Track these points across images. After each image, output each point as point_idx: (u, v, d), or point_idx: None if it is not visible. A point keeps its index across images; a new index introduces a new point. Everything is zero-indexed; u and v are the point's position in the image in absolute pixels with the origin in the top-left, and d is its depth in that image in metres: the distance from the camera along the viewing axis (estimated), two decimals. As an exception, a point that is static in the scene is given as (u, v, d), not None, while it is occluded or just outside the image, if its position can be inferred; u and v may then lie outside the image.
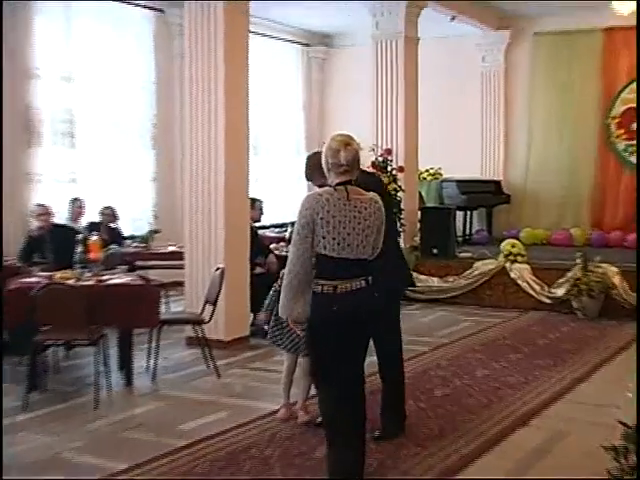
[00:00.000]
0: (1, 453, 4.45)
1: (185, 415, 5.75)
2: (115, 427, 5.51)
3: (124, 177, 11.39)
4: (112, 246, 9.22)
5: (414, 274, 10.83)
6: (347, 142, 4.01)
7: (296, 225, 3.94)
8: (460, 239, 12.72)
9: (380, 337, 5.02)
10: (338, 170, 3.96)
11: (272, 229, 12.03)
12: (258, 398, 6.23)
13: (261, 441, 5.17)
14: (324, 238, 3.87)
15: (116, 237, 9.75)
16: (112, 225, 9.96)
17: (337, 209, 3.88)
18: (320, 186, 4.22)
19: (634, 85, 12.39)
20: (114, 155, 11.21)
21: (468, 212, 13.22)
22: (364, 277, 3.97)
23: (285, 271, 4.01)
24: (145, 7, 11.65)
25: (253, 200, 8.93)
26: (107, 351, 6.34)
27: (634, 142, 12.47)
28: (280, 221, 13.05)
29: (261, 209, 9.22)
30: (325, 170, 4.03)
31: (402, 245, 5.26)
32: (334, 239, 3.88)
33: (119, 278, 6.74)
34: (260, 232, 9.93)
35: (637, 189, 11.76)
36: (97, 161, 10.96)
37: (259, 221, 9.36)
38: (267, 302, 5.67)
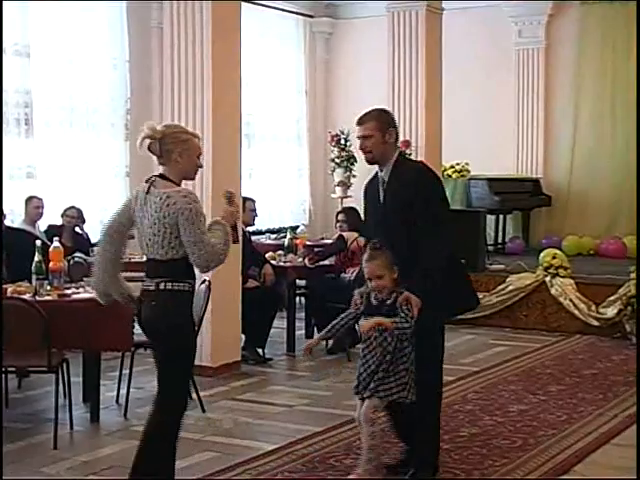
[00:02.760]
0: (1, 452, 4.56)
1: (162, 457, 5.72)
2: (78, 471, 5.49)
3: (92, 172, 11.39)
4: (77, 254, 9.23)
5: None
6: (150, 130, 4.64)
7: None
8: (491, 248, 12.72)
9: None
10: (158, 162, 4.71)
11: (268, 235, 12.03)
12: (250, 436, 6.22)
13: (253, 488, 5.16)
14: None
15: (82, 243, 9.76)
16: (77, 229, 9.97)
17: (138, 205, 4.66)
18: None
19: None
20: (79, 146, 11.21)
21: (501, 216, 13.23)
22: (158, 279, 4.61)
23: None
24: (118, -30, 11.69)
25: (243, 200, 8.92)
26: (69, 380, 6.32)
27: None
28: (277, 225, 13.07)
29: (254, 210, 9.23)
30: None
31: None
32: (139, 237, 4.74)
33: (85, 292, 6.72)
34: (254, 238, 9.95)
35: (637, 189, 11.76)
36: (59, 153, 10.96)
37: (252, 225, 9.36)
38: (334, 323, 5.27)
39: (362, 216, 5.56)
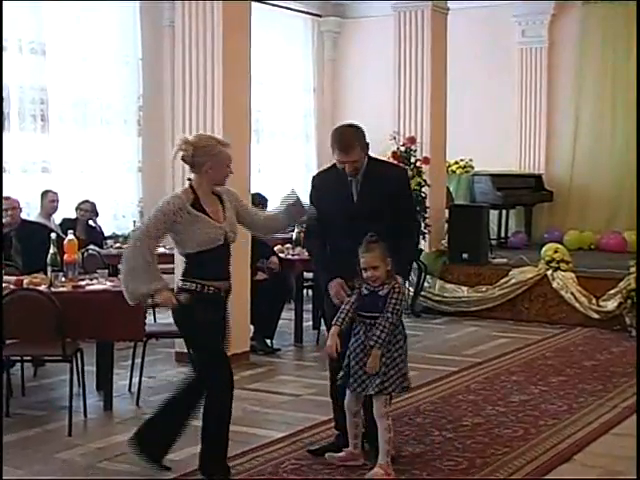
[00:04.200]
0: (1, 452, 4.52)
1: (173, 444, 5.74)
2: (91, 457, 5.50)
3: (105, 167, 11.41)
4: (91, 247, 9.26)
5: (440, 282, 10.92)
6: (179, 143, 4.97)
7: None
8: (494, 242, 12.70)
9: None
10: None
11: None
12: (259, 424, 6.22)
13: (263, 474, 5.16)
14: None
15: (95, 236, 9.79)
16: (91, 222, 10.00)
17: None
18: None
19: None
20: (93, 142, 11.23)
21: (504, 211, 13.20)
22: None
23: None
24: (131, -30, 11.69)
25: (252, 196, 8.92)
26: (83, 369, 6.34)
27: None
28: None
29: (262, 205, 9.23)
30: None
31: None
32: None
33: (98, 284, 6.74)
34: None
35: (637, 186, 11.72)
36: (73, 148, 10.98)
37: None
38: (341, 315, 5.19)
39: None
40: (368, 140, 5.36)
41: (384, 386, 5.00)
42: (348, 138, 5.28)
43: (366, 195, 5.31)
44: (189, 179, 5.00)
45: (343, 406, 5.29)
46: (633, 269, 9.65)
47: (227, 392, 4.99)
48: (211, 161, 4.87)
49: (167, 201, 4.91)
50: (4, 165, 9.88)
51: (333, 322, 5.14)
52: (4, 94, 9.79)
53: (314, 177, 5.73)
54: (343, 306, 5.15)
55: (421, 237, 9.89)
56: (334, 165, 5.44)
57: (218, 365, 4.98)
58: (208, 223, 4.89)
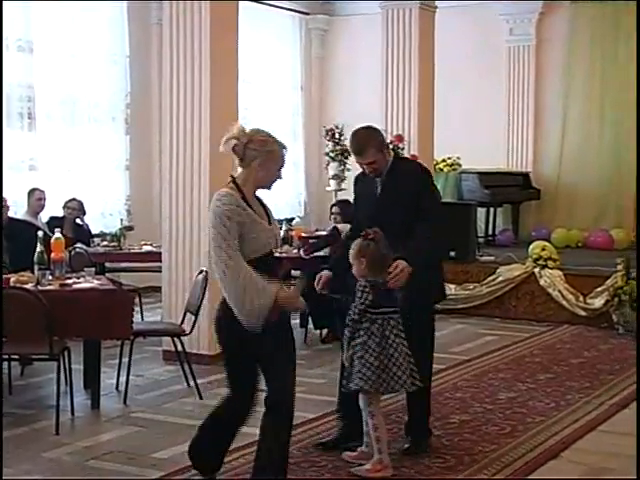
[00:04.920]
0: (1, 452, 4.54)
1: (161, 442, 5.73)
2: (79, 456, 5.49)
3: (92, 165, 11.39)
4: (78, 245, 9.24)
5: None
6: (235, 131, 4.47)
7: None
8: (482, 240, 12.73)
9: None
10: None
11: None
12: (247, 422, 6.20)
13: (249, 472, 5.14)
14: None
15: (83, 235, 9.76)
16: (78, 221, 9.97)
17: None
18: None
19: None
20: (81, 140, 11.21)
21: (491, 209, 13.24)
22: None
23: None
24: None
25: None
26: (70, 367, 6.32)
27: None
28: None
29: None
30: None
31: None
32: None
33: (86, 282, 6.73)
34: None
35: (637, 188, 11.76)
36: (61, 146, 10.96)
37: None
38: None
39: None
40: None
41: (359, 385, 5.03)
42: (360, 140, 5.35)
43: (388, 193, 5.36)
44: (232, 176, 4.48)
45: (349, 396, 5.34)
46: (620, 267, 9.67)
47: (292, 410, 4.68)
48: (261, 157, 4.42)
49: (221, 202, 4.30)
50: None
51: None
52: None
53: (356, 178, 5.74)
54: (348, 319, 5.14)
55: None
56: None
57: (287, 381, 4.67)
58: (261, 225, 4.40)
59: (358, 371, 5.02)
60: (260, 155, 4.41)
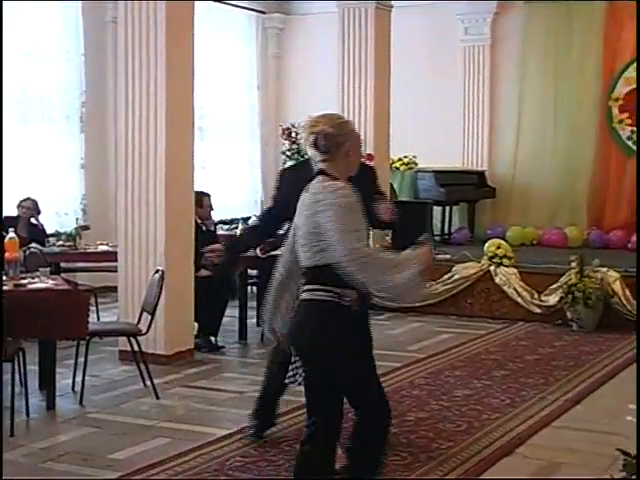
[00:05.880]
0: (1, 452, 4.52)
1: (117, 442, 5.71)
2: (35, 458, 5.45)
3: (47, 164, 11.28)
4: (32, 245, 9.15)
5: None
6: (311, 124, 4.01)
7: None
8: (438, 238, 12.79)
9: None
10: (315, 159, 4.05)
11: (220, 226, 12.00)
12: (203, 422, 6.21)
13: (207, 472, 5.15)
14: None
15: (37, 234, 9.67)
16: (33, 220, 9.88)
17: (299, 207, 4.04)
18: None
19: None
20: (35, 138, 11.09)
21: (447, 207, 13.30)
22: (311, 287, 3.95)
23: None
24: (73, -35, 11.58)
25: (201, 195, 8.91)
26: (25, 368, 6.27)
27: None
28: (230, 216, 13.03)
29: (210, 206, 9.22)
30: None
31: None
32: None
33: (40, 282, 6.67)
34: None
35: (637, 187, 11.90)
36: (14, 145, 10.84)
37: (209, 219, 9.31)
38: None
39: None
40: None
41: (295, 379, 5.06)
42: None
43: None
44: (321, 170, 4.01)
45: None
46: (574, 264, 9.77)
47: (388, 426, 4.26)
48: (350, 141, 4.00)
49: (344, 193, 3.86)
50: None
51: None
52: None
53: (283, 171, 5.80)
54: None
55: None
56: (305, 162, 5.49)
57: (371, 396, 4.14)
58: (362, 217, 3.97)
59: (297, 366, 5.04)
60: (347, 140, 4.00)
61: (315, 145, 3.95)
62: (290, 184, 5.43)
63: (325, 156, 3.96)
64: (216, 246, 6.21)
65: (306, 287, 3.97)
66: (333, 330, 3.90)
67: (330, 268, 3.83)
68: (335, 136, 3.95)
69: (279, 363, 5.39)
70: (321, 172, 3.99)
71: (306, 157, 5.45)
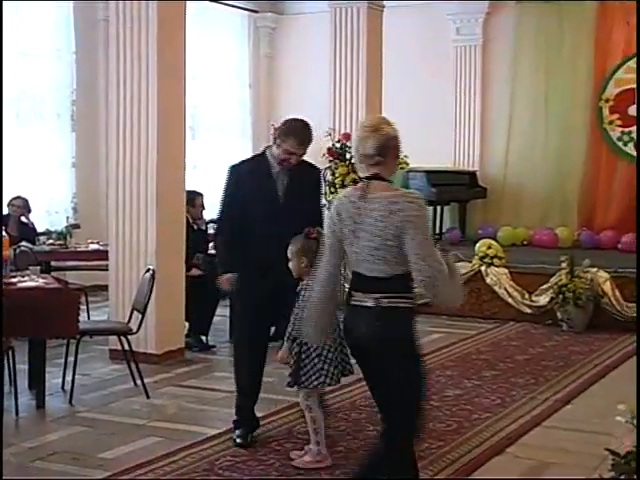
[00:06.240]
0: (1, 453, 4.51)
1: (107, 442, 5.69)
2: (24, 457, 5.43)
3: (38, 163, 11.27)
4: (23, 243, 9.13)
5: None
6: (376, 127, 3.98)
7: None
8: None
9: None
10: (367, 162, 3.94)
11: (212, 225, 11.99)
12: (194, 421, 6.20)
13: (197, 471, 5.14)
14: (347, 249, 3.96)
15: (28, 233, 9.66)
16: (23, 219, 9.86)
17: (349, 214, 3.89)
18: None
19: (631, 64, 12.57)
20: (26, 137, 11.07)
21: (438, 207, 13.30)
22: (377, 295, 3.87)
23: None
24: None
25: (193, 194, 8.90)
26: (15, 367, 6.25)
27: (631, 129, 12.63)
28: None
29: (202, 205, 9.22)
30: (357, 164, 4.03)
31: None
32: (351, 253, 3.93)
33: (31, 281, 6.66)
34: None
35: (637, 186, 11.91)
36: (5, 143, 10.79)
37: (200, 219, 9.31)
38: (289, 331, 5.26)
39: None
40: None
41: (301, 380, 5.12)
42: (306, 131, 5.46)
43: (292, 194, 5.48)
44: (375, 175, 3.94)
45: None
46: (564, 264, 9.79)
47: None
48: (397, 143, 4.03)
49: (420, 204, 3.85)
50: None
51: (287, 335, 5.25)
52: None
53: (233, 167, 5.73)
54: (292, 317, 5.22)
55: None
56: (254, 157, 5.57)
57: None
58: None
59: (320, 369, 5.12)
60: (396, 142, 4.03)
61: (380, 148, 3.91)
62: (249, 179, 5.53)
63: (381, 159, 3.92)
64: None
65: (379, 295, 3.87)
66: (416, 334, 4.01)
67: (405, 276, 3.86)
68: (396, 139, 4.00)
69: (247, 369, 5.63)
70: (376, 177, 3.92)
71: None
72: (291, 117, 5.68)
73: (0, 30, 7.65)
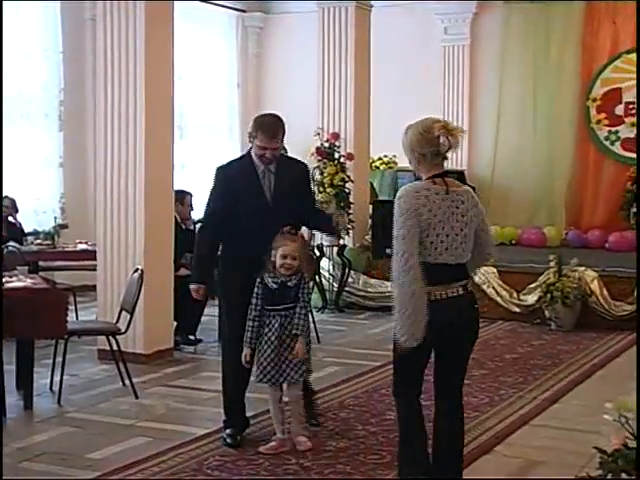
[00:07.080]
0: (1, 453, 4.51)
1: (96, 442, 5.69)
2: (12, 457, 5.40)
3: (25, 162, 11.23)
4: (10, 243, 9.11)
5: (364, 277, 10.98)
6: (446, 127, 4.29)
7: (399, 229, 4.12)
8: (418, 238, 12.79)
9: None
10: (435, 160, 4.24)
11: (199, 224, 11.98)
12: (182, 421, 6.20)
13: (186, 471, 5.14)
14: (421, 243, 4.12)
15: (15, 233, 9.63)
16: (11, 219, 9.84)
17: (437, 206, 4.13)
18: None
19: (618, 63, 12.64)
20: (13, 136, 11.02)
21: (427, 207, 13.30)
22: (462, 282, 4.33)
23: (394, 287, 4.14)
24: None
25: (183, 194, 8.89)
26: (2, 367, 6.23)
27: (618, 128, 12.68)
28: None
29: (191, 205, 9.20)
30: (413, 160, 4.32)
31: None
32: (432, 243, 4.14)
33: (18, 281, 6.64)
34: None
35: (637, 186, 11.93)
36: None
37: (189, 218, 9.30)
38: (248, 335, 5.38)
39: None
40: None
41: (306, 371, 5.30)
42: (274, 124, 5.47)
43: (280, 191, 5.52)
44: (445, 173, 4.32)
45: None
46: (552, 263, 9.82)
47: None
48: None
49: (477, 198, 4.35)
50: None
51: (245, 344, 5.37)
52: None
53: (220, 168, 5.74)
54: (248, 324, 5.35)
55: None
56: (241, 157, 5.60)
57: None
58: None
59: (299, 361, 5.36)
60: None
61: (447, 148, 4.24)
62: (236, 179, 5.54)
63: (444, 154, 4.29)
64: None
65: (459, 283, 4.35)
66: None
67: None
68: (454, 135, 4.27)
69: (232, 373, 5.65)
70: (447, 173, 4.30)
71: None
72: (260, 114, 5.76)
73: (0, 30, 7.62)
